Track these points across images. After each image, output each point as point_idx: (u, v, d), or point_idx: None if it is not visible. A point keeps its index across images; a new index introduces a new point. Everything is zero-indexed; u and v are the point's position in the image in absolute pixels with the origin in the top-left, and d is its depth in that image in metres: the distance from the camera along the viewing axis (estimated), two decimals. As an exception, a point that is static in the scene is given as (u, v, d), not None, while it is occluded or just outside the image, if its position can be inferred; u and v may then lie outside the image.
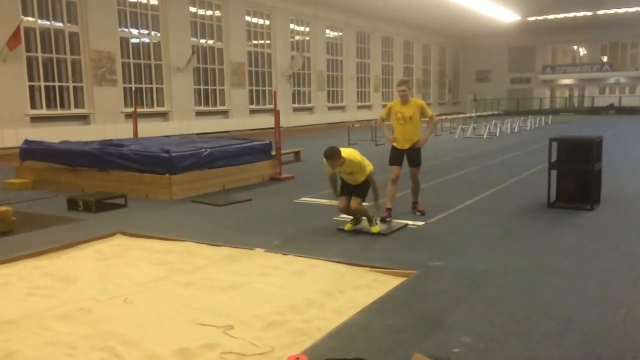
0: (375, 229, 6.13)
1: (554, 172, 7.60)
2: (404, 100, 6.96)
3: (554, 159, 7.62)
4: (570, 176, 7.55)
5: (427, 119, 7.16)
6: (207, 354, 3.30)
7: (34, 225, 6.76)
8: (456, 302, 4.07)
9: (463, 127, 23.28)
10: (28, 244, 5.84)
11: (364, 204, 6.27)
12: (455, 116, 26.42)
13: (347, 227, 6.35)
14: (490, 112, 31.71)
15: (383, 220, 6.67)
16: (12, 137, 15.48)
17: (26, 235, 6.32)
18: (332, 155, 5.98)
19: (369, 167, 6.21)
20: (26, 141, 10.64)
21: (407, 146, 7.04)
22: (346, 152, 6.12)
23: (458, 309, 3.95)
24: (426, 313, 3.87)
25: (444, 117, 24.04)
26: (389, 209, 6.87)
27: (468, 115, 28.57)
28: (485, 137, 20.28)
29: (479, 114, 28.92)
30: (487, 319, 3.75)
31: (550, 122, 28.89)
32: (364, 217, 6.35)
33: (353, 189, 6.29)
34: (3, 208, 6.52)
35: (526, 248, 5.58)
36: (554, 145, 7.61)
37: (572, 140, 7.72)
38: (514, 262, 5.09)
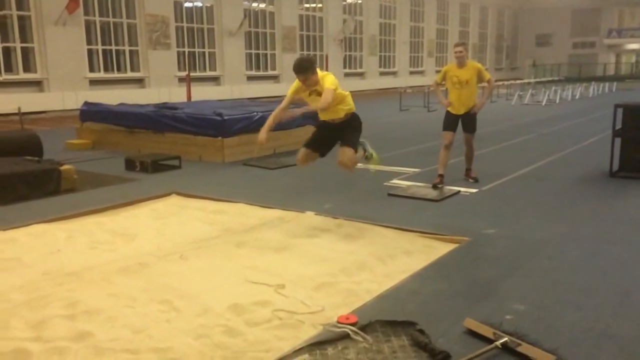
0: (374, 162, 5.19)
1: (617, 141, 7.25)
2: (461, 63, 6.74)
3: (618, 126, 7.26)
4: (635, 145, 7.18)
5: (485, 83, 6.93)
6: (259, 310, 3.37)
7: (95, 184, 7.02)
8: (510, 270, 3.98)
9: (520, 93, 22.46)
10: (89, 201, 6.08)
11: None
12: (512, 82, 25.51)
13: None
14: (550, 78, 30.43)
15: (435, 187, 6.58)
16: (72, 99, 16.02)
17: (87, 193, 6.58)
18: (306, 67, 4.60)
19: (350, 100, 4.96)
20: (85, 103, 10.99)
21: (462, 111, 6.85)
22: (322, 74, 4.84)
23: (512, 276, 3.87)
24: (478, 280, 3.82)
25: (500, 83, 23.25)
26: (441, 175, 6.76)
27: (526, 81, 27.54)
28: (544, 104, 19.53)
29: (537, 79, 27.81)
30: (542, 288, 3.67)
31: (614, 89, 27.51)
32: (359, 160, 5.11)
33: (334, 136, 4.99)
34: (66, 167, 6.79)
35: (585, 217, 5.39)
36: (619, 112, 7.23)
37: (639, 107, 7.32)
38: (572, 231, 4.92)
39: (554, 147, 9.81)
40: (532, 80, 26.34)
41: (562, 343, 2.88)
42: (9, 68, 15.71)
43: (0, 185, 6.06)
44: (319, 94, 4.66)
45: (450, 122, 6.90)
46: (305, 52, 25.92)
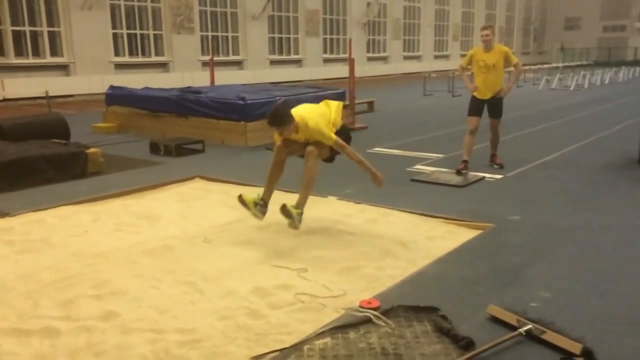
0: (295, 213, 4.09)
1: (648, 127, 7.07)
2: (487, 47, 6.62)
3: (649, 112, 7.07)
4: (666, 131, 6.99)
5: (511, 67, 6.80)
6: (282, 293, 3.40)
7: (120, 167, 7.12)
8: (535, 257, 3.93)
9: (548, 78, 22.01)
10: (115, 184, 6.17)
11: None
12: (539, 66, 25.01)
13: (247, 199, 4.31)
14: (578, 63, 29.74)
15: (459, 172, 6.51)
16: (98, 82, 16.20)
17: (113, 176, 6.67)
18: (281, 120, 4.06)
19: (333, 137, 4.27)
20: (111, 87, 11.11)
21: (488, 96, 6.74)
22: (304, 111, 4.21)
23: (537, 264, 3.82)
24: (503, 266, 3.78)
25: (527, 67, 22.79)
26: (465, 161, 6.68)
27: (554, 65, 26.96)
28: (572, 88, 19.13)
29: (566, 64, 27.20)
30: (568, 275, 3.61)
31: (645, 74, 26.79)
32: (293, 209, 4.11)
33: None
34: (92, 150, 6.90)
35: (613, 205, 5.28)
36: (651, 97, 7.04)
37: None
38: (599, 219, 4.83)
39: (582, 133, 9.61)
40: (560, 65, 25.76)
41: (588, 331, 2.85)
42: (36, 52, 15.93)
43: (28, 168, 6.17)
44: (307, 139, 4.25)
45: (476, 107, 6.81)
46: (328, 36, 25.75)
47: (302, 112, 4.23)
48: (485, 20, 36.80)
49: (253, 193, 4.44)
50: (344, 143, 4.32)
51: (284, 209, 3.85)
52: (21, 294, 3.40)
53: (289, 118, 4.10)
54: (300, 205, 4.04)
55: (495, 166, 6.89)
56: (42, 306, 3.24)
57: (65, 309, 3.20)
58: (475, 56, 6.73)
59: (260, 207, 4.33)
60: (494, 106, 6.79)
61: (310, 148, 4.18)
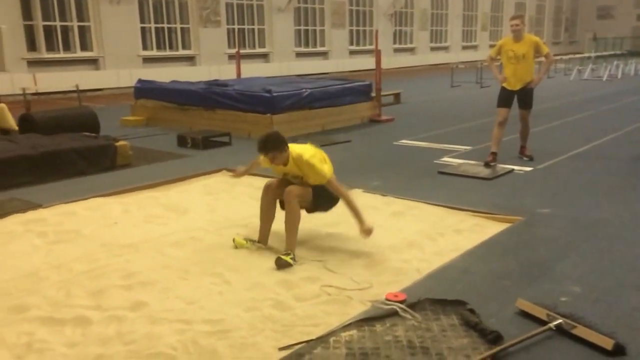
0: (288, 259, 3.70)
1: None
2: (517, 37, 6.49)
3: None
4: None
5: (542, 57, 6.65)
6: (308, 285, 3.41)
7: (149, 159, 7.21)
8: (566, 251, 3.86)
9: (580, 68, 21.51)
10: (143, 177, 6.26)
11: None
12: (571, 56, 24.44)
13: (239, 243, 4.05)
14: (611, 52, 28.97)
15: (487, 165, 6.42)
16: (127, 76, 16.41)
17: (142, 169, 6.77)
18: (274, 145, 3.80)
19: (328, 174, 3.88)
20: (139, 80, 11.25)
21: (518, 87, 6.61)
22: (301, 147, 3.95)
23: (568, 257, 3.75)
24: (532, 260, 3.72)
25: (558, 57, 22.31)
26: (494, 153, 6.58)
27: (586, 55, 26.33)
28: (604, 79, 18.66)
29: (598, 54, 26.54)
30: (599, 269, 3.54)
31: (681, 63, 25.94)
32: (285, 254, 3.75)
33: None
34: (121, 143, 7.00)
35: (647, 198, 5.14)
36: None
37: None
38: (632, 211, 4.71)
39: (614, 124, 9.38)
40: (592, 55, 25.17)
41: (620, 326, 2.79)
42: (67, 47, 16.22)
43: (60, 160, 6.31)
44: (295, 176, 3.92)
45: (505, 98, 6.69)
46: (354, 28, 25.60)
47: (298, 147, 3.92)
48: (515, 9, 36.08)
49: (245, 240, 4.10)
50: (337, 183, 3.88)
51: (279, 262, 3.63)
52: (54, 284, 3.49)
53: (283, 146, 3.80)
54: (290, 248, 3.76)
55: (525, 158, 6.78)
56: (74, 295, 3.31)
57: (96, 299, 3.27)
58: (505, 46, 6.61)
59: (258, 243, 4.07)
60: (524, 97, 6.67)
61: (290, 187, 3.81)
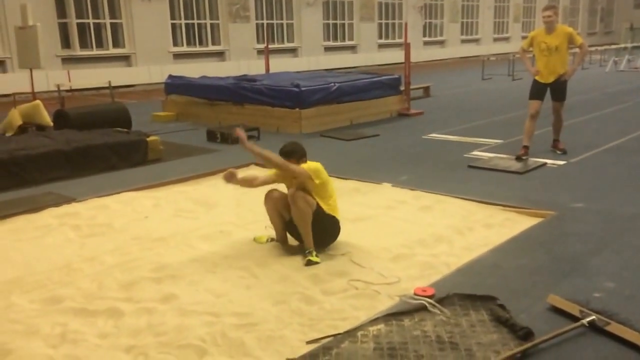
0: (315, 258, 3.68)
1: None
2: (550, 28, 6.34)
3: None
4: None
5: (576, 48, 6.48)
6: (336, 280, 3.41)
7: (179, 154, 7.31)
8: (599, 246, 3.77)
9: (616, 59, 20.90)
10: (174, 171, 6.34)
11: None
12: (607, 47, 23.79)
13: (258, 240, 4.13)
14: (649, 43, 28.07)
15: (519, 158, 6.31)
16: (158, 72, 16.64)
17: (172, 163, 6.86)
18: (295, 151, 3.91)
19: (332, 201, 3.89)
20: (170, 76, 11.38)
21: (551, 79, 6.46)
22: (313, 165, 3.91)
23: (601, 253, 3.66)
24: (564, 255, 3.64)
25: (593, 48, 21.75)
26: (525, 147, 6.46)
27: (622, 46, 25.58)
28: (641, 70, 18.11)
29: (635, 44, 25.75)
30: (634, 266, 3.44)
31: None
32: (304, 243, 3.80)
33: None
34: (153, 137, 7.11)
35: (686, 193, 4.98)
36: None
37: None
38: (671, 207, 4.57)
39: (652, 116, 9.10)
40: (629, 45, 24.44)
41: (656, 325, 2.71)
42: (99, 44, 16.52)
43: (93, 155, 6.44)
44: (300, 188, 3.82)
45: (538, 90, 6.55)
46: (383, 21, 25.42)
47: (313, 165, 3.89)
48: (548, 0, 35.28)
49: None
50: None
51: (308, 264, 3.62)
52: (87, 276, 3.57)
53: (302, 156, 3.91)
54: (309, 246, 3.73)
55: (558, 152, 6.63)
56: (107, 288, 3.38)
57: (128, 291, 3.33)
58: (537, 38, 6.46)
59: (277, 242, 4.08)
60: (557, 89, 6.52)
61: (292, 190, 3.76)
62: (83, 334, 2.86)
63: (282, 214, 3.93)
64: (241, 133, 3.81)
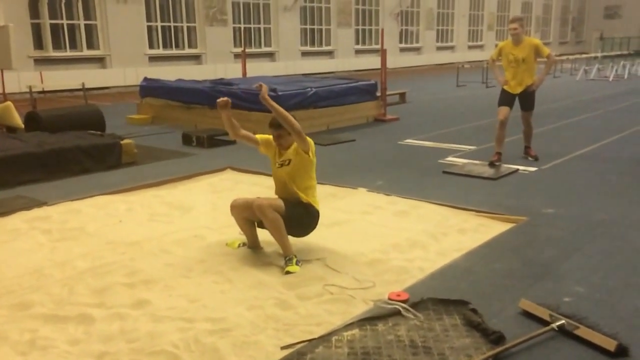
0: (294, 268, 3.62)
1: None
2: (516, 40, 6.45)
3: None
4: None
5: (544, 59, 6.60)
6: (311, 284, 3.40)
7: (153, 158, 7.23)
8: (569, 251, 3.85)
9: (586, 68, 21.41)
10: (148, 175, 6.28)
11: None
12: (577, 56, 24.34)
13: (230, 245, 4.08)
14: (618, 52, 28.82)
15: (492, 164, 6.40)
16: (133, 75, 16.47)
17: (147, 167, 6.79)
18: (281, 125, 3.90)
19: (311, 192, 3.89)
20: (145, 79, 11.28)
21: (518, 90, 6.57)
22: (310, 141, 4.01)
23: (571, 258, 3.74)
24: (536, 260, 3.71)
25: (565, 57, 22.24)
26: (498, 153, 6.57)
27: (592, 55, 26.21)
28: (611, 79, 18.57)
29: (605, 54, 26.41)
30: (603, 270, 3.52)
31: (689, 64, 25.77)
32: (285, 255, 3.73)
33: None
34: (127, 141, 7.02)
35: (652, 199, 5.12)
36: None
37: None
38: (636, 213, 4.69)
39: (621, 125, 9.33)
40: (599, 55, 25.06)
41: (623, 327, 2.77)
42: (73, 45, 16.28)
43: (65, 158, 6.33)
44: (286, 163, 3.86)
45: (506, 99, 6.65)
46: (360, 27, 25.59)
47: None
48: (522, 9, 35.96)
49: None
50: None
51: (287, 274, 3.58)
52: (58, 281, 3.50)
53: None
54: (287, 253, 3.71)
55: (530, 158, 6.76)
56: (78, 293, 3.32)
57: (100, 296, 3.28)
58: (505, 49, 6.57)
59: (249, 247, 4.06)
60: (526, 99, 6.63)
61: (257, 201, 3.70)
62: (53, 341, 2.81)
63: (249, 219, 3.90)
64: (264, 87, 3.87)
